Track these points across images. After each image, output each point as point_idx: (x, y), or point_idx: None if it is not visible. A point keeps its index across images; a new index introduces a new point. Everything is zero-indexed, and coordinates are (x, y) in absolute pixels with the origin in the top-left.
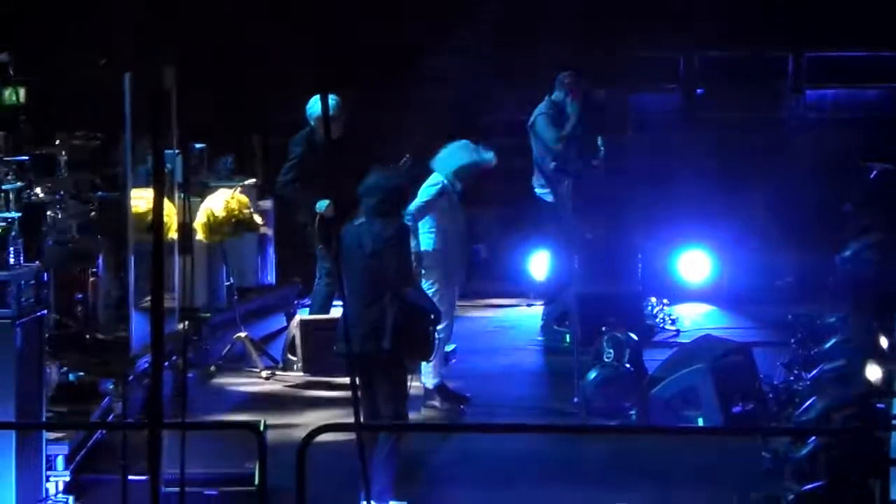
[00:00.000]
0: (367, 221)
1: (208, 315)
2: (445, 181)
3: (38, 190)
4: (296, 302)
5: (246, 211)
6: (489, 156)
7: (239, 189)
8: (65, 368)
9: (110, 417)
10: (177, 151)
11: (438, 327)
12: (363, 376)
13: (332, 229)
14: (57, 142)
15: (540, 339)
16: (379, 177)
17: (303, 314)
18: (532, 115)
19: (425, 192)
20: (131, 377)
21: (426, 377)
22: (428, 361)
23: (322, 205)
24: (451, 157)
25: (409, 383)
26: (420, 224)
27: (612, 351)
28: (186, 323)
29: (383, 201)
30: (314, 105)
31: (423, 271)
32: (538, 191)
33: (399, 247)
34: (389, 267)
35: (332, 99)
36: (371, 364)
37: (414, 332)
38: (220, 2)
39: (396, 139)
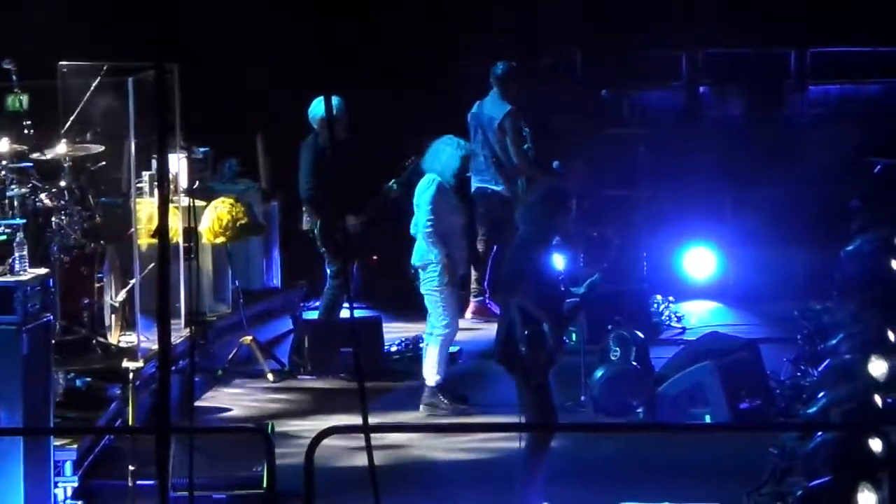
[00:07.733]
0: None
1: (214, 319)
2: (440, 180)
3: (42, 196)
4: (301, 304)
5: (250, 214)
6: (472, 147)
7: (244, 191)
8: (72, 374)
9: (118, 423)
10: (180, 156)
11: (441, 325)
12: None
13: (340, 236)
14: (61, 148)
15: None
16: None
17: (309, 317)
18: (506, 115)
19: (425, 197)
20: (138, 382)
21: (428, 376)
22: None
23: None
24: (438, 156)
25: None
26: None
27: (618, 349)
28: (193, 327)
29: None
30: (315, 107)
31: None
32: (496, 187)
33: None
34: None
35: (334, 100)
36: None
37: None
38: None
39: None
